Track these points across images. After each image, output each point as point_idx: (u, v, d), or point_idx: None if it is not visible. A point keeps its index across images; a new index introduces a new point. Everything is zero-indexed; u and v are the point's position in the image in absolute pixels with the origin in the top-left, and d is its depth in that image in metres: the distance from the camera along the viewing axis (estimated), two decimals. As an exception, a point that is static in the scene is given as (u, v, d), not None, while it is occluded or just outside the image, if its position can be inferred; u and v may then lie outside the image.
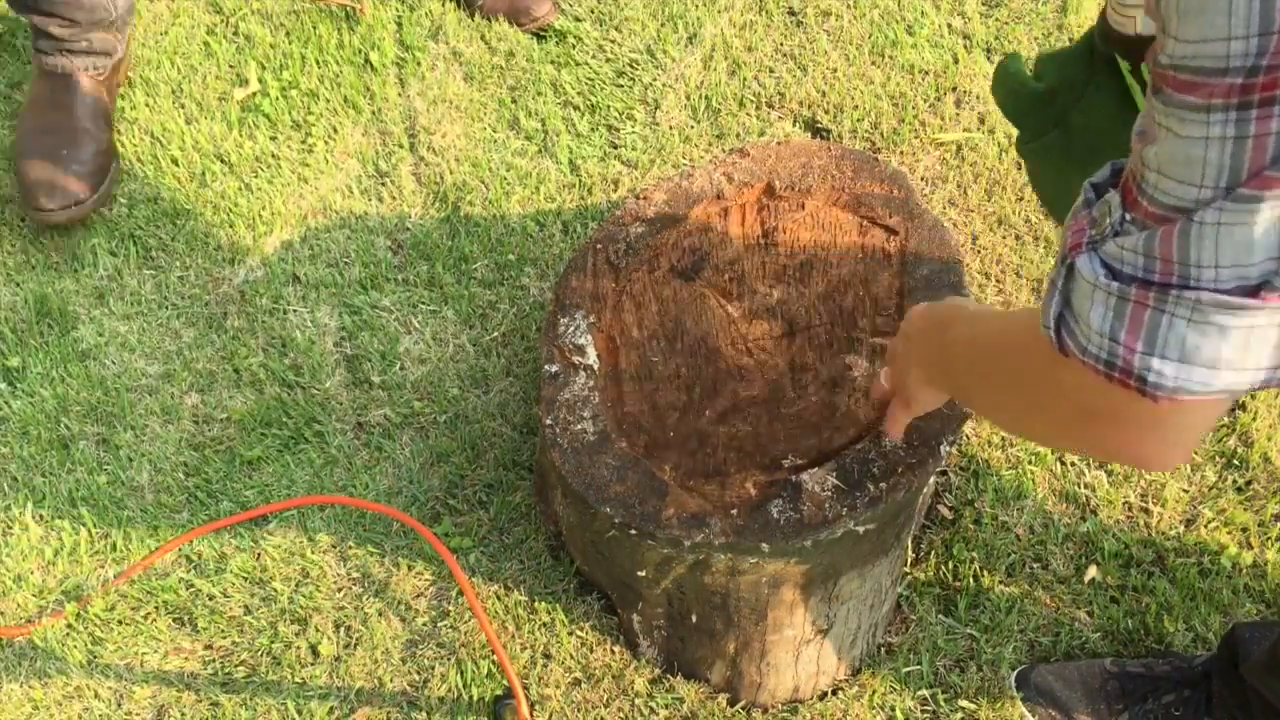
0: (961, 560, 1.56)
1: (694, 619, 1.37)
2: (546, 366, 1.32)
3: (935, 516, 1.60)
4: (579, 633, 1.53)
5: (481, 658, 1.52)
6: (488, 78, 2.06)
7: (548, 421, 1.27)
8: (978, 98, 1.98)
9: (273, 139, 2.01)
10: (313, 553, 1.62)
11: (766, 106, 1.99)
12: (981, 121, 1.96)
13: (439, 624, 1.56)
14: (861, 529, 1.21)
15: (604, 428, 1.26)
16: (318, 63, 2.08)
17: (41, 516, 1.69)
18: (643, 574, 1.31)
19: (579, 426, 1.27)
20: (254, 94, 2.06)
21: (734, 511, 1.19)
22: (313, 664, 1.54)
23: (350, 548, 1.63)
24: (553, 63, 2.07)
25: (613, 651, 1.52)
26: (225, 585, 1.61)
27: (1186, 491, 1.60)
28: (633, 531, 1.20)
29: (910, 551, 1.57)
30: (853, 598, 1.37)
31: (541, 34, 2.10)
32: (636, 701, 1.49)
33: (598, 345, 1.34)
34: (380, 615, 1.57)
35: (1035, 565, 1.56)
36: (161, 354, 1.82)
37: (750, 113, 1.98)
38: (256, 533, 1.65)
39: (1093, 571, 1.55)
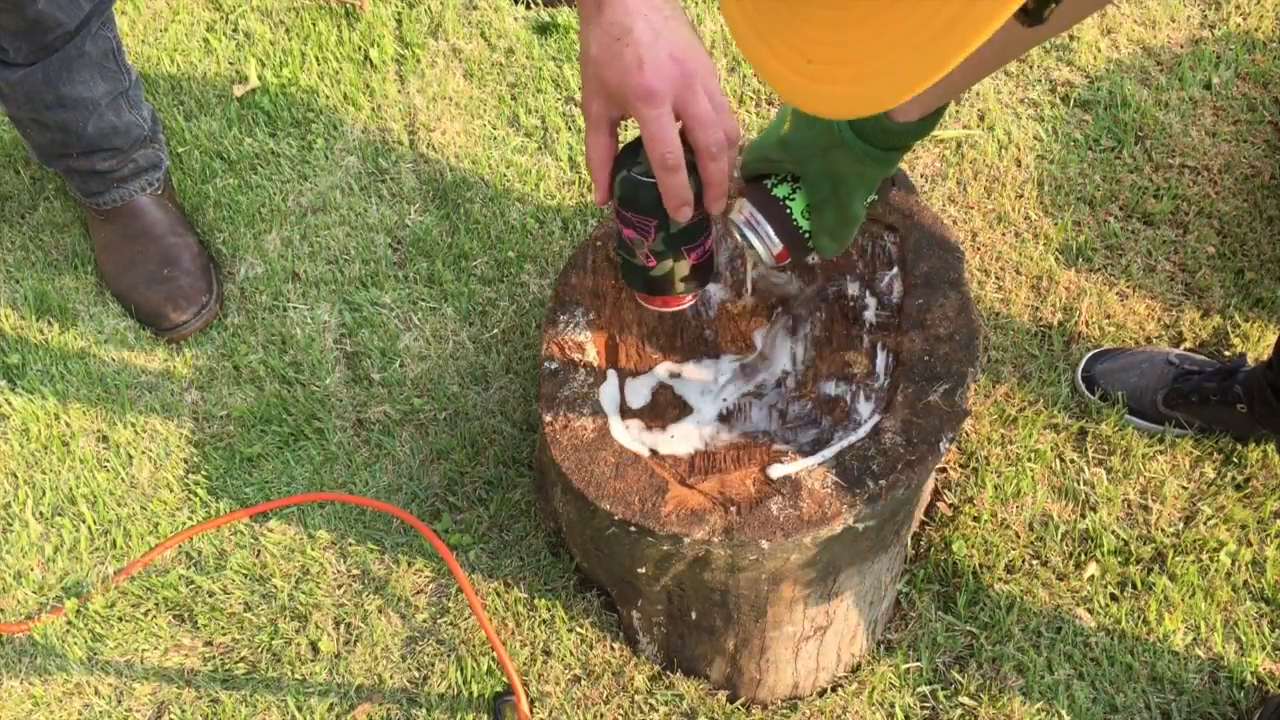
0: (961, 557, 1.56)
1: (693, 616, 1.37)
2: (546, 363, 1.32)
3: (935, 513, 1.60)
4: (579, 629, 1.53)
5: (481, 654, 1.52)
6: (487, 74, 2.06)
7: (547, 418, 1.27)
8: (977, 94, 1.97)
9: (272, 136, 2.01)
10: (312, 549, 1.62)
11: (766, 104, 1.99)
12: (981, 119, 1.96)
13: (439, 621, 1.56)
14: (861, 526, 1.21)
15: (603, 424, 1.26)
16: (317, 59, 2.08)
17: (41, 513, 1.69)
18: (642, 571, 1.31)
19: (579, 423, 1.27)
20: (253, 91, 2.06)
21: (733, 508, 1.19)
22: (313, 661, 1.55)
23: (350, 545, 1.63)
24: (553, 59, 2.07)
25: (612, 648, 1.52)
26: (225, 582, 1.61)
27: (1185, 488, 1.60)
28: (632, 529, 1.20)
29: (910, 548, 1.57)
30: (852, 594, 1.37)
31: None
32: (636, 698, 1.49)
33: (597, 342, 1.34)
34: (380, 612, 1.57)
35: (1035, 562, 1.56)
36: (161, 351, 1.82)
37: (750, 110, 1.98)
38: (256, 529, 1.65)
39: (1092, 568, 1.55)
